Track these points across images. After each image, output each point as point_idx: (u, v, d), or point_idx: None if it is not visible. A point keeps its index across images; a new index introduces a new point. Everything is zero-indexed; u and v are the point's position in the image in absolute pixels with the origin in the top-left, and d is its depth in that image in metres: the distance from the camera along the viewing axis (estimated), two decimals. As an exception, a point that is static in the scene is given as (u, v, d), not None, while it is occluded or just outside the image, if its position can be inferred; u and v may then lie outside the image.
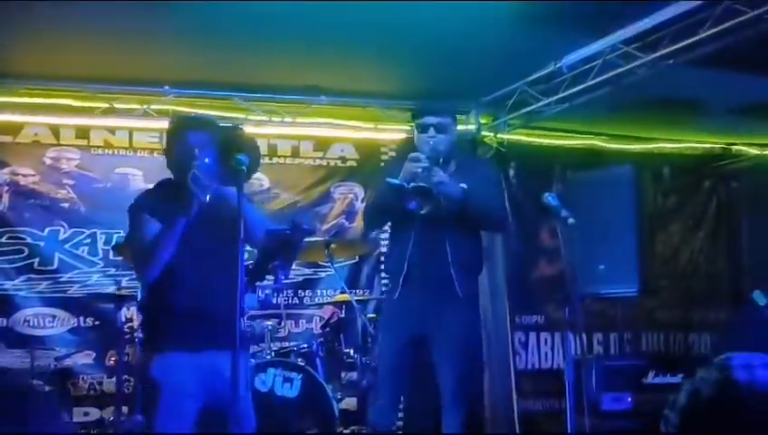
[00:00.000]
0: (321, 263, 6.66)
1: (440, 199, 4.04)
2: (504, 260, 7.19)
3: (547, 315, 7.42)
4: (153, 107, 6.43)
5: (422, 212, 4.05)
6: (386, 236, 7.14)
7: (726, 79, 5.99)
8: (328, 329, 6.12)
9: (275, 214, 6.61)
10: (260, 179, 6.86)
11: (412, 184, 3.97)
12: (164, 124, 6.42)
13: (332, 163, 7.19)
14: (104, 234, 6.43)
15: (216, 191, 3.33)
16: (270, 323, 5.74)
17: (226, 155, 3.13)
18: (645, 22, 5.16)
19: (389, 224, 4.58)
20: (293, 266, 6.41)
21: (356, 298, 6.07)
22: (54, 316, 6.28)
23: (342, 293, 6.14)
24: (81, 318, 6.34)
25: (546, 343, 7.53)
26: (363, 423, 5.99)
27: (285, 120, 6.76)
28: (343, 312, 6.32)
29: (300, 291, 6.89)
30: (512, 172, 7.33)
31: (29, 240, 6.29)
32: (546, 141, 7.51)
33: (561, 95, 6.23)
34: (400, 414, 5.66)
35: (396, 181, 3.98)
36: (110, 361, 6.14)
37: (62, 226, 6.38)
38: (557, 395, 6.99)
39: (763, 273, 7.40)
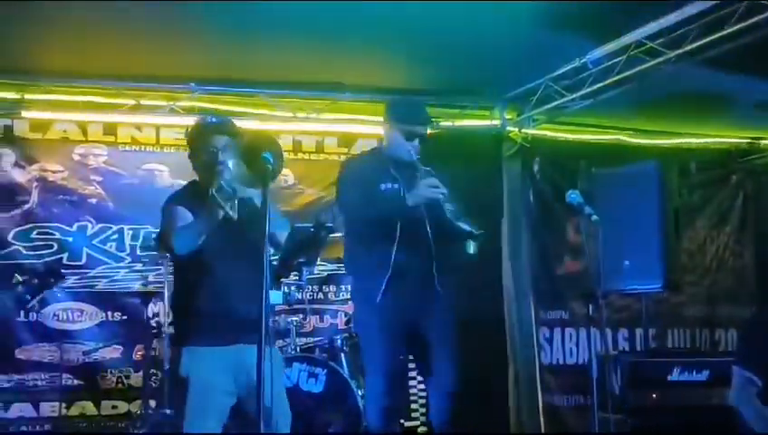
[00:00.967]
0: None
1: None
2: (529, 256, 7.20)
3: (572, 311, 7.41)
4: (179, 104, 6.48)
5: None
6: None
7: (753, 73, 5.94)
8: (352, 324, 6.14)
9: (300, 210, 6.64)
10: (285, 175, 6.89)
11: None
12: (190, 121, 6.53)
13: (357, 159, 7.20)
14: (131, 230, 6.50)
15: (242, 191, 3.38)
16: (295, 318, 5.78)
17: (250, 156, 3.16)
18: (670, 18, 5.14)
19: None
20: (318, 262, 6.46)
21: (380, 294, 6.07)
22: (83, 311, 6.35)
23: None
24: (109, 313, 6.40)
25: (571, 338, 7.51)
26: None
27: (310, 116, 6.78)
28: (368, 307, 6.33)
29: (324, 287, 6.92)
30: (536, 168, 7.32)
31: (58, 235, 6.36)
32: (571, 137, 7.47)
33: (585, 91, 6.21)
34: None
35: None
36: (138, 355, 6.21)
37: (90, 221, 6.45)
38: (582, 391, 6.98)
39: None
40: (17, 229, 6.27)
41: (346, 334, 6.02)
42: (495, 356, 7.02)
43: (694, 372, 5.42)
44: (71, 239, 6.39)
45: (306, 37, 5.51)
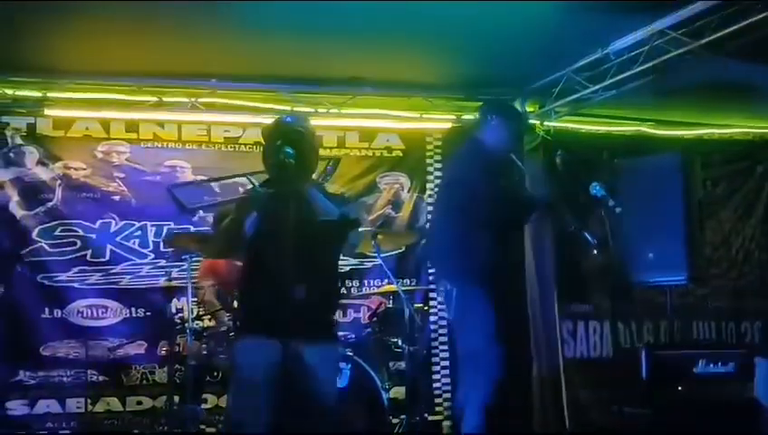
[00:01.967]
0: (367, 253, 6.68)
1: None
2: (552, 249, 7.16)
3: (596, 304, 7.37)
4: (201, 100, 6.50)
5: None
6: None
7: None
8: (375, 319, 6.15)
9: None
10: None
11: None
12: (211, 117, 6.59)
13: (378, 153, 7.21)
14: (154, 226, 6.54)
15: (301, 189, 3.45)
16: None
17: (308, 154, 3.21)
18: (693, 7, 5.09)
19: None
20: (341, 257, 6.46)
21: (403, 288, 6.09)
22: (107, 307, 6.39)
23: (389, 283, 6.15)
24: (133, 309, 6.45)
25: (595, 331, 7.47)
26: (412, 412, 6.03)
27: (330, 111, 6.78)
28: (391, 302, 6.34)
29: (347, 281, 6.92)
30: (558, 160, 7.27)
31: (81, 232, 6.41)
32: (593, 129, 7.44)
33: (607, 82, 6.16)
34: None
35: None
36: (162, 351, 6.25)
37: (114, 218, 6.49)
38: (606, 384, 6.95)
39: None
40: (41, 227, 6.32)
41: (369, 329, 6.02)
42: (519, 352, 6.98)
43: (719, 365, 5.39)
44: (94, 236, 6.44)
45: (326, 32, 5.51)
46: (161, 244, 6.38)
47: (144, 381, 6.41)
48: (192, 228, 6.50)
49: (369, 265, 6.93)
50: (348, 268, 6.92)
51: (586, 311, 7.38)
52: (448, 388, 7.09)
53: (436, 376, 7.10)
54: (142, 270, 6.49)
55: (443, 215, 4.64)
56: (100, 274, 6.42)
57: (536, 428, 6.86)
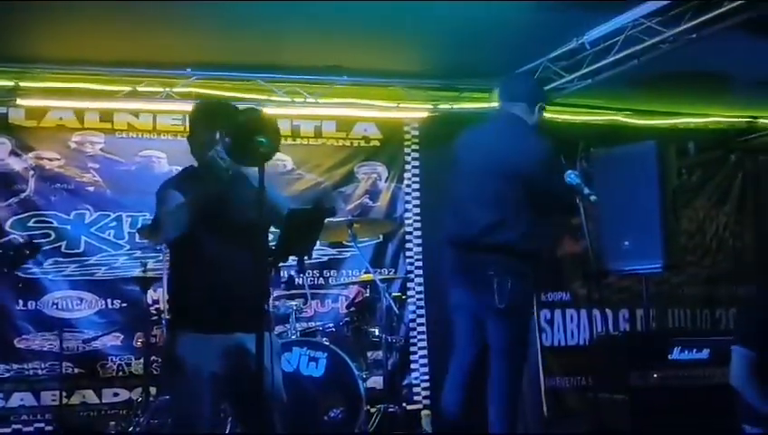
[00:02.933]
0: (345, 243, 6.67)
1: None
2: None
3: (573, 292, 7.41)
4: (176, 90, 6.44)
5: None
6: (410, 214, 7.21)
7: (750, 51, 5.92)
8: (353, 309, 6.16)
9: (299, 195, 6.62)
10: (283, 160, 6.89)
11: None
12: (187, 107, 6.52)
13: (356, 143, 7.19)
14: (130, 217, 6.49)
15: (238, 172, 3.37)
16: (294, 303, 5.78)
17: (247, 137, 3.14)
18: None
19: None
20: (317, 246, 6.46)
21: (380, 278, 6.09)
22: (82, 299, 6.35)
23: (367, 272, 6.15)
24: (109, 300, 6.40)
25: (572, 320, 7.52)
26: (389, 401, 6.04)
27: (308, 100, 6.75)
28: (368, 291, 6.34)
29: (325, 271, 6.92)
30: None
31: (56, 224, 6.35)
32: (569, 118, 7.45)
33: (583, 71, 6.19)
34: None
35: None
36: (138, 342, 6.22)
37: (88, 209, 6.44)
38: (583, 372, 7.00)
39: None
40: (15, 218, 6.26)
41: (347, 318, 6.02)
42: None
43: (694, 351, 5.43)
44: (69, 227, 6.38)
45: (303, 21, 5.48)
46: (137, 235, 6.33)
47: (120, 373, 6.37)
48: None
49: (348, 254, 6.93)
50: (326, 258, 6.92)
51: (563, 299, 7.43)
52: (426, 377, 7.10)
53: (414, 365, 7.11)
54: (117, 261, 6.45)
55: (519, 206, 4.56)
56: (74, 265, 6.37)
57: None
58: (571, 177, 4.12)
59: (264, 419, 3.28)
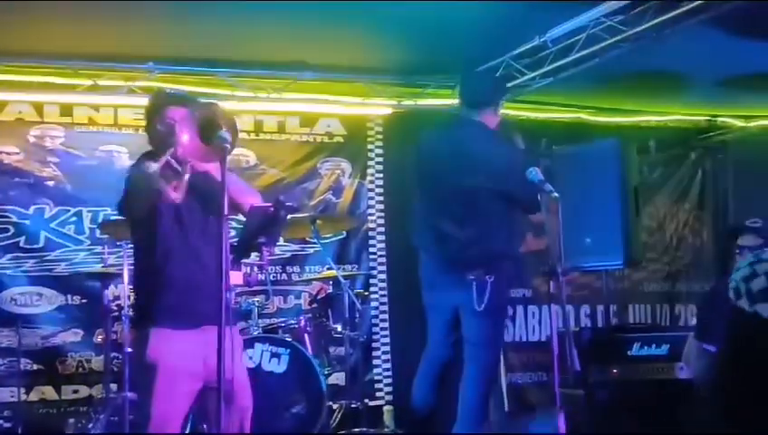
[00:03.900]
0: (308, 239, 6.66)
1: None
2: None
3: (534, 289, 7.46)
4: (138, 84, 6.38)
5: None
6: (373, 211, 7.21)
7: (710, 51, 5.99)
8: (316, 305, 6.15)
9: (262, 191, 6.56)
10: (246, 156, 6.85)
11: None
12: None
13: (319, 139, 7.18)
14: (90, 212, 6.42)
15: (200, 167, 3.34)
16: (257, 299, 5.76)
17: (207, 131, 3.11)
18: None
19: None
20: (280, 243, 6.44)
21: (343, 274, 6.08)
22: (41, 295, 6.27)
23: (329, 269, 6.15)
24: (69, 296, 6.33)
25: (534, 316, 7.58)
26: (352, 397, 6.04)
27: (271, 95, 6.72)
28: (331, 287, 6.33)
29: (288, 267, 6.90)
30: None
31: (14, 219, 6.26)
32: (532, 115, 7.49)
33: (545, 69, 6.23)
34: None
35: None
36: (98, 338, 6.16)
37: (48, 204, 6.36)
38: (545, 368, 7.06)
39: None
40: (-27, 213, 6.17)
41: (309, 314, 6.01)
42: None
43: (653, 347, 5.50)
44: (28, 222, 6.30)
45: (267, 15, 5.45)
46: (97, 230, 6.26)
47: (80, 370, 6.31)
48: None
49: (311, 250, 6.92)
50: (288, 254, 6.90)
51: (525, 296, 7.48)
52: (389, 373, 7.12)
53: (376, 361, 7.12)
54: (78, 257, 6.38)
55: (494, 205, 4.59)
56: (33, 260, 6.29)
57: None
58: (533, 174, 4.15)
59: (232, 415, 3.27)
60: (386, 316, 7.16)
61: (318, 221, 5.87)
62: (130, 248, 5.52)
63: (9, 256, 6.23)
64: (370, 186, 7.27)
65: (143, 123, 6.05)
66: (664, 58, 6.13)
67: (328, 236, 6.67)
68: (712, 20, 5.05)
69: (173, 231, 3.38)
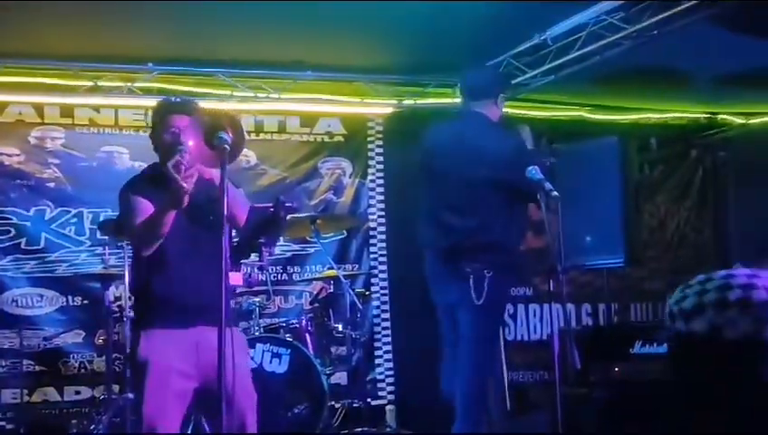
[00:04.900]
0: (309, 239, 6.65)
1: None
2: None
3: (535, 287, 7.46)
4: (138, 85, 6.38)
5: None
6: (374, 210, 7.21)
7: (711, 48, 5.98)
8: (317, 304, 6.15)
9: (263, 190, 6.60)
10: (247, 156, 6.84)
11: None
12: (149, 102, 6.46)
13: (319, 138, 7.17)
14: (91, 213, 6.42)
15: (206, 174, 3.33)
16: (257, 299, 5.75)
17: (209, 136, 3.11)
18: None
19: None
20: (281, 243, 6.44)
21: (344, 273, 6.08)
22: (42, 296, 6.27)
23: (330, 268, 6.15)
24: (70, 297, 6.33)
25: (535, 314, 7.58)
26: (354, 397, 6.04)
27: (271, 95, 6.72)
28: (332, 287, 6.33)
29: (289, 267, 6.90)
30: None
31: (15, 220, 6.27)
32: (533, 113, 7.48)
33: (546, 67, 6.23)
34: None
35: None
36: (100, 339, 6.16)
37: (49, 205, 6.36)
38: (546, 366, 7.05)
39: (748, 242, 7.45)
40: (-26, 215, 6.17)
41: (311, 314, 6.01)
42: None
43: (655, 345, 5.49)
44: (29, 224, 6.30)
45: (266, 16, 5.45)
46: (98, 231, 6.26)
47: (82, 371, 6.31)
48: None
49: (311, 250, 6.91)
50: (289, 254, 6.90)
51: (526, 294, 7.48)
52: (391, 373, 7.12)
53: (378, 361, 7.12)
54: (78, 258, 6.38)
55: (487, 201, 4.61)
56: (35, 262, 6.29)
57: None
58: (533, 172, 4.14)
59: (232, 416, 3.27)
60: (387, 315, 7.16)
61: (318, 221, 5.87)
62: (131, 249, 5.58)
63: (10, 257, 6.23)
64: (371, 185, 7.26)
65: (143, 124, 6.11)
66: (664, 55, 6.13)
67: (328, 235, 6.67)
68: (712, 17, 5.04)
69: (171, 234, 3.37)
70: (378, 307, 7.16)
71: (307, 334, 5.71)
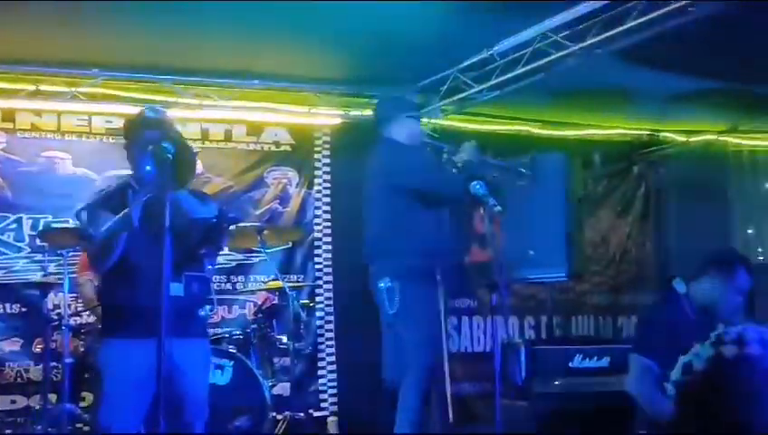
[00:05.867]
0: (254, 248, 6.61)
1: None
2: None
3: (479, 300, 7.51)
4: (81, 90, 6.30)
5: None
6: (320, 221, 7.20)
7: (653, 68, 6.10)
8: (261, 315, 6.09)
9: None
10: (192, 164, 6.77)
11: None
12: (93, 107, 6.39)
13: (266, 148, 7.15)
14: (30, 219, 6.30)
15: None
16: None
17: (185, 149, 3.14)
18: (574, 11, 5.24)
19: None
20: (225, 251, 6.38)
21: (289, 284, 6.05)
22: (-21, 303, 6.15)
23: (275, 279, 6.11)
24: (8, 305, 6.20)
25: (479, 327, 7.62)
26: (296, 408, 6.01)
27: (217, 103, 6.67)
28: (277, 298, 6.29)
29: (233, 277, 6.85)
30: (445, 158, 7.35)
31: (-48, 225, 6.14)
32: (478, 127, 7.54)
33: (492, 82, 6.28)
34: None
35: None
36: (37, 348, 6.04)
37: (-12, 210, 6.24)
38: (489, 379, 7.06)
39: (687, 257, 7.58)
40: None
41: (254, 325, 5.96)
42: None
43: (595, 359, 5.55)
44: (-33, 229, 6.17)
45: (214, 23, 5.42)
46: (37, 238, 6.15)
47: (18, 380, 6.17)
48: (71, 221, 6.28)
49: (256, 260, 6.86)
50: (234, 263, 6.84)
51: (470, 306, 7.52)
52: (334, 384, 7.10)
53: (321, 372, 7.10)
54: (17, 264, 6.25)
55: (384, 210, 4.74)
56: (-29, 268, 6.16)
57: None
58: (476, 187, 4.18)
59: (178, 426, 3.26)
60: (331, 326, 7.15)
61: (266, 232, 5.84)
62: (72, 256, 5.50)
63: (-53, 263, 6.10)
64: (317, 195, 7.25)
65: (86, 130, 6.03)
66: (608, 73, 6.23)
67: (274, 245, 6.63)
68: (656, 37, 5.14)
69: (132, 245, 3.38)
70: (322, 318, 7.14)
71: (251, 345, 5.66)
